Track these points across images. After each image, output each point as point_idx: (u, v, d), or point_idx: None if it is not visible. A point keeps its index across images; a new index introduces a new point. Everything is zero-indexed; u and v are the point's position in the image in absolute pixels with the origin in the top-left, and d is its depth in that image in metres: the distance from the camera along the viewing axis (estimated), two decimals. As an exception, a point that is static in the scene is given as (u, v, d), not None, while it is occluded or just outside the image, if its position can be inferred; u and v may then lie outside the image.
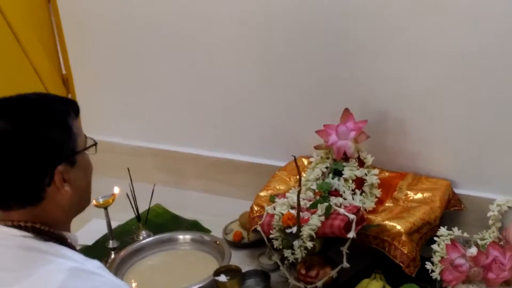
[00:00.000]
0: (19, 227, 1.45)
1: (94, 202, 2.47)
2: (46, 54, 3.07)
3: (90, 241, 2.66)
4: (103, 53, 3.01)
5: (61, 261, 1.42)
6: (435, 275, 2.05)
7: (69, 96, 3.17)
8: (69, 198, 1.49)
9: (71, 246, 1.51)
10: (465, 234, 2.10)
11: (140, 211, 2.64)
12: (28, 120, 1.44)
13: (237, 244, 2.54)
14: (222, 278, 2.19)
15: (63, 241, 1.49)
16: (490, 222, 2.06)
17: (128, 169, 2.61)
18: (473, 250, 1.97)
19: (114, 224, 2.63)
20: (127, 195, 2.58)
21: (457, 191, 2.42)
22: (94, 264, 1.46)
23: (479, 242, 2.07)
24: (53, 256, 1.42)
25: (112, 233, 2.55)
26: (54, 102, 1.51)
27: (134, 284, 2.35)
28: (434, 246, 2.09)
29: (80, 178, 1.53)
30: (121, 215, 2.73)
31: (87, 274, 1.41)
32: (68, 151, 1.48)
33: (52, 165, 1.45)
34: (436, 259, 2.07)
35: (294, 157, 2.19)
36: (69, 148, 1.49)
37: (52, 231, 1.48)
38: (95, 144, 1.58)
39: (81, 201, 1.58)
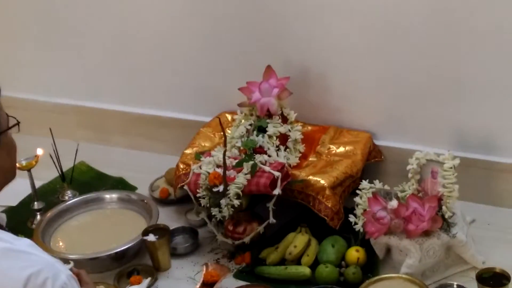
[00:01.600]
0: None
1: (17, 164, 2.43)
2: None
3: (14, 202, 2.63)
4: (19, 8, 2.90)
5: (-9, 242, 1.41)
6: (358, 227, 2.12)
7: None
8: None
9: (-1, 226, 1.51)
10: (386, 186, 2.17)
11: (64, 169, 2.62)
12: None
13: (164, 201, 2.55)
14: (151, 237, 2.21)
15: (-10, 222, 1.49)
16: (409, 175, 2.12)
17: (50, 129, 2.57)
18: (393, 203, 2.05)
19: (38, 184, 2.60)
20: (50, 155, 2.54)
21: (377, 142, 2.48)
22: (25, 243, 1.45)
23: (399, 194, 2.15)
24: (-20, 237, 1.42)
25: (37, 194, 2.52)
26: None
27: (62, 246, 2.35)
28: (357, 199, 2.15)
29: (4, 158, 1.52)
30: (45, 174, 2.69)
31: (18, 253, 1.40)
32: None
33: None
34: (358, 211, 2.14)
35: (219, 118, 2.21)
36: None
37: (-21, 212, 1.47)
38: (18, 123, 1.55)
39: (5, 180, 1.56)
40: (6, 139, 1.52)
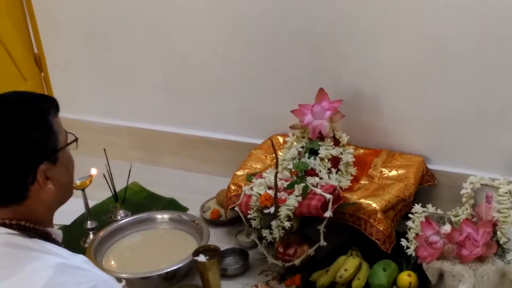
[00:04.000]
0: (4, 225, 1.46)
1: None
2: (17, 33, 3.03)
3: (67, 221, 2.66)
4: (75, 31, 2.98)
5: (48, 257, 1.43)
6: (410, 251, 2.09)
7: (42, 75, 3.14)
8: (53, 195, 1.51)
9: (55, 242, 1.53)
10: (439, 210, 2.14)
11: (117, 189, 2.65)
12: (8, 121, 1.44)
13: (215, 222, 2.57)
14: (201, 258, 2.21)
15: (48, 237, 1.51)
16: (463, 199, 2.09)
17: (104, 149, 2.61)
18: (447, 227, 2.01)
19: (91, 204, 2.63)
20: (103, 175, 2.58)
21: (430, 166, 2.46)
22: (80, 259, 1.48)
23: (453, 219, 2.12)
24: (39, 252, 1.44)
25: (90, 213, 2.56)
26: (33, 101, 1.51)
27: (114, 265, 2.37)
28: (409, 223, 2.13)
29: (63, 174, 1.55)
30: (98, 194, 2.73)
31: (74, 269, 1.43)
32: (49, 149, 1.49)
33: (34, 165, 1.46)
34: (411, 235, 2.11)
35: (271, 140, 2.22)
36: (50, 147, 1.50)
37: (37, 228, 1.49)
38: (76, 140, 1.59)
39: (64, 196, 1.59)
40: (64, 156, 1.55)
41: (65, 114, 3.04)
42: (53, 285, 1.38)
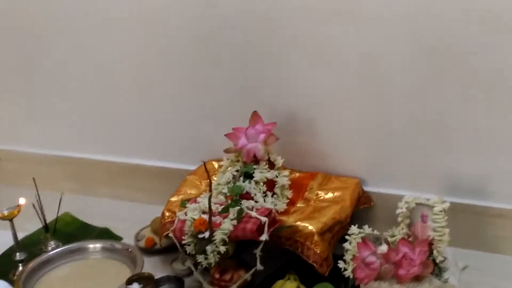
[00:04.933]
0: None
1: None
2: None
3: (-5, 254, 2.58)
4: (1, 60, 2.90)
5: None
6: (348, 273, 2.06)
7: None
8: None
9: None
10: (376, 232, 2.12)
11: (48, 220, 2.56)
12: None
13: (150, 251, 2.51)
14: (135, 286, 2.14)
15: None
16: (399, 219, 2.08)
17: (33, 178, 2.52)
18: (383, 247, 2.00)
19: (21, 235, 2.54)
20: (33, 205, 2.50)
21: (366, 188, 2.45)
22: (1, 285, 1.40)
23: (389, 239, 2.10)
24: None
25: (19, 244, 2.46)
26: None
27: (44, 297, 2.29)
28: (346, 245, 2.10)
29: None
30: (28, 226, 2.64)
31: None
32: None
33: None
34: (348, 257, 2.08)
35: (204, 162, 2.18)
36: None
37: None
38: None
39: None
40: None
41: (-8, 143, 2.99)
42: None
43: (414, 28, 2.19)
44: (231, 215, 2.11)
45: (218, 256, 2.08)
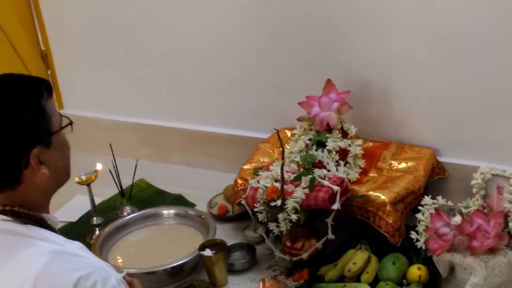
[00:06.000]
0: None
1: (76, 179, 2.45)
2: (24, 31, 3.03)
3: (74, 218, 2.65)
4: (82, 28, 2.96)
5: (42, 244, 1.40)
6: (420, 244, 2.05)
7: (49, 72, 3.13)
8: (47, 179, 1.47)
9: (51, 228, 1.50)
10: (449, 203, 2.10)
11: (124, 186, 2.63)
12: (0, 103, 1.41)
13: (222, 218, 2.53)
14: (208, 252, 2.18)
15: (43, 223, 1.48)
16: (474, 190, 2.05)
17: (110, 144, 2.58)
18: (457, 219, 1.97)
19: (98, 200, 2.61)
20: (109, 171, 2.55)
21: (440, 159, 2.41)
22: (76, 246, 1.44)
23: (463, 210, 2.07)
24: (33, 239, 1.41)
25: (96, 209, 2.52)
26: (26, 83, 1.48)
27: (119, 260, 2.34)
28: (419, 215, 2.08)
29: (57, 159, 1.51)
30: (105, 191, 2.71)
31: (69, 256, 1.39)
32: (42, 132, 1.45)
33: (27, 148, 1.42)
34: (420, 228, 2.07)
35: (277, 130, 2.18)
36: (43, 130, 1.46)
37: (32, 214, 1.46)
38: (71, 123, 1.55)
39: (60, 181, 1.55)
40: (59, 139, 1.51)
41: (72, 111, 3.08)
42: (47, 272, 1.35)
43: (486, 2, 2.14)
44: (303, 184, 2.12)
45: (290, 224, 2.09)
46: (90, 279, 1.35)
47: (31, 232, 1.43)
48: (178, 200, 2.71)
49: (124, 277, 1.62)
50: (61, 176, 1.55)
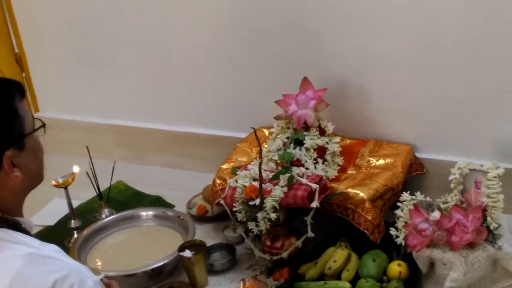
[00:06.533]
0: None
1: (53, 182, 2.43)
2: (-3, 33, 3.00)
3: (51, 222, 2.63)
4: (56, 30, 2.92)
5: (17, 247, 1.39)
6: (400, 240, 2.05)
7: (23, 75, 3.10)
8: (20, 182, 1.46)
9: (25, 231, 1.48)
10: (428, 198, 2.10)
11: (102, 188, 2.60)
12: None
13: (201, 218, 2.52)
14: (187, 253, 2.17)
15: (17, 227, 1.46)
16: (452, 185, 2.06)
17: (87, 147, 2.56)
18: (436, 214, 1.97)
19: (75, 203, 2.59)
20: (87, 173, 2.53)
21: (418, 155, 2.42)
22: (51, 248, 1.42)
23: (442, 205, 2.08)
24: (8, 242, 1.39)
25: (74, 212, 2.50)
26: None
27: (98, 263, 2.32)
28: (398, 212, 2.08)
29: (31, 161, 1.49)
30: (83, 194, 2.69)
31: (44, 258, 1.38)
32: (15, 135, 1.44)
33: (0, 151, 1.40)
34: (400, 224, 2.06)
35: (254, 129, 2.17)
36: (16, 132, 1.44)
37: (5, 217, 1.44)
38: (44, 125, 1.53)
39: (33, 184, 1.54)
40: (32, 141, 1.50)
41: (47, 113, 3.05)
42: (23, 275, 1.33)
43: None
44: (281, 182, 2.11)
45: (269, 223, 2.08)
46: (67, 281, 1.33)
47: (5, 236, 1.41)
48: (157, 202, 2.69)
49: (102, 279, 1.61)
50: (34, 178, 1.53)
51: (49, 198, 2.74)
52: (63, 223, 2.58)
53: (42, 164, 1.55)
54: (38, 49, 3.02)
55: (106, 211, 2.58)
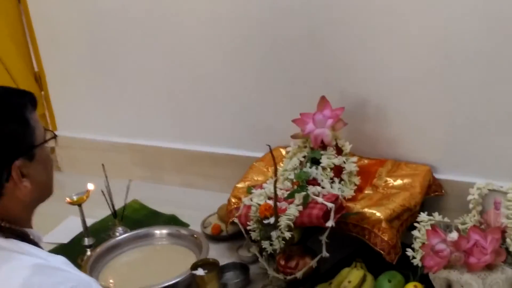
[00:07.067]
0: None
1: (67, 199, 2.43)
2: (18, 52, 3.03)
3: (66, 239, 2.63)
4: (75, 50, 2.94)
5: (24, 258, 1.37)
6: (416, 261, 2.01)
7: (42, 93, 3.11)
8: (29, 193, 1.45)
9: (33, 243, 1.46)
10: (446, 219, 2.06)
11: (117, 207, 2.59)
12: None
13: (216, 237, 2.50)
14: (200, 272, 2.14)
15: (25, 238, 1.45)
16: (471, 206, 2.02)
17: (102, 165, 2.55)
18: (453, 235, 1.93)
19: (90, 222, 2.59)
20: (102, 191, 2.51)
21: (437, 176, 2.38)
22: (59, 260, 1.41)
23: (460, 226, 2.04)
24: (15, 253, 1.38)
25: (88, 230, 2.49)
26: (9, 95, 1.46)
27: (111, 281, 2.30)
28: (415, 232, 2.05)
29: (40, 172, 1.48)
30: (98, 212, 2.69)
31: (52, 270, 1.36)
32: (25, 145, 1.43)
33: (9, 160, 1.40)
34: (417, 245, 2.03)
35: (269, 146, 2.14)
36: (26, 142, 1.44)
37: (14, 228, 1.43)
38: (55, 136, 1.52)
39: (42, 196, 1.52)
40: (43, 153, 1.48)
41: (65, 132, 3.06)
42: (29, 286, 1.31)
43: (493, 13, 2.11)
44: (296, 201, 2.08)
45: (283, 242, 2.05)
46: (74, 293, 1.31)
47: (13, 246, 1.40)
48: (171, 221, 2.68)
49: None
50: (44, 190, 1.51)
51: (64, 216, 2.73)
52: (77, 241, 2.57)
53: (51, 177, 1.54)
54: (57, 68, 3.04)
55: (120, 229, 2.56)
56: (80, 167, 3.01)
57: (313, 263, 2.12)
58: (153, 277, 2.22)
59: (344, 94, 2.40)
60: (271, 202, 2.08)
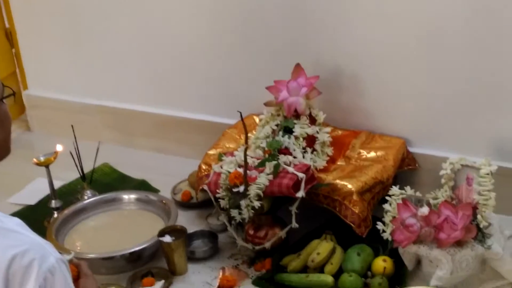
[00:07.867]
0: None
1: (34, 160, 2.37)
2: (-13, 7, 2.94)
3: (33, 201, 2.58)
4: (48, 6, 2.85)
5: (-23, 219, 1.32)
6: (386, 235, 1.99)
7: (13, 51, 3.03)
8: None
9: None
10: (418, 194, 2.04)
11: (87, 170, 2.54)
12: None
13: (186, 204, 2.46)
14: (167, 238, 2.11)
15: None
16: (443, 180, 1.99)
17: (72, 126, 2.48)
18: (424, 210, 1.91)
19: (59, 184, 2.55)
20: (71, 153, 2.46)
21: (411, 149, 2.36)
22: (14, 222, 1.35)
23: (432, 201, 2.01)
24: (-33, 214, 1.33)
25: (55, 192, 2.44)
26: None
27: (77, 244, 2.26)
28: (386, 206, 2.02)
29: None
30: (67, 175, 2.63)
31: (6, 231, 1.31)
32: None
33: None
34: (387, 219, 2.01)
35: (240, 113, 2.10)
36: None
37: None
38: (14, 94, 1.45)
39: None
40: (0, 110, 1.42)
41: (36, 91, 2.99)
42: (-19, 248, 1.26)
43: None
44: (267, 170, 2.05)
45: (253, 211, 2.03)
46: (27, 256, 1.26)
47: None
48: (141, 186, 2.63)
49: (71, 259, 1.55)
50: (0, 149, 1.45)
51: (32, 178, 2.68)
52: (44, 203, 2.52)
53: (9, 135, 1.47)
54: (30, 25, 2.95)
55: (88, 193, 2.51)
56: (51, 128, 2.94)
57: (282, 233, 2.10)
58: (120, 242, 2.19)
59: (320, 63, 2.36)
60: (241, 170, 2.05)
